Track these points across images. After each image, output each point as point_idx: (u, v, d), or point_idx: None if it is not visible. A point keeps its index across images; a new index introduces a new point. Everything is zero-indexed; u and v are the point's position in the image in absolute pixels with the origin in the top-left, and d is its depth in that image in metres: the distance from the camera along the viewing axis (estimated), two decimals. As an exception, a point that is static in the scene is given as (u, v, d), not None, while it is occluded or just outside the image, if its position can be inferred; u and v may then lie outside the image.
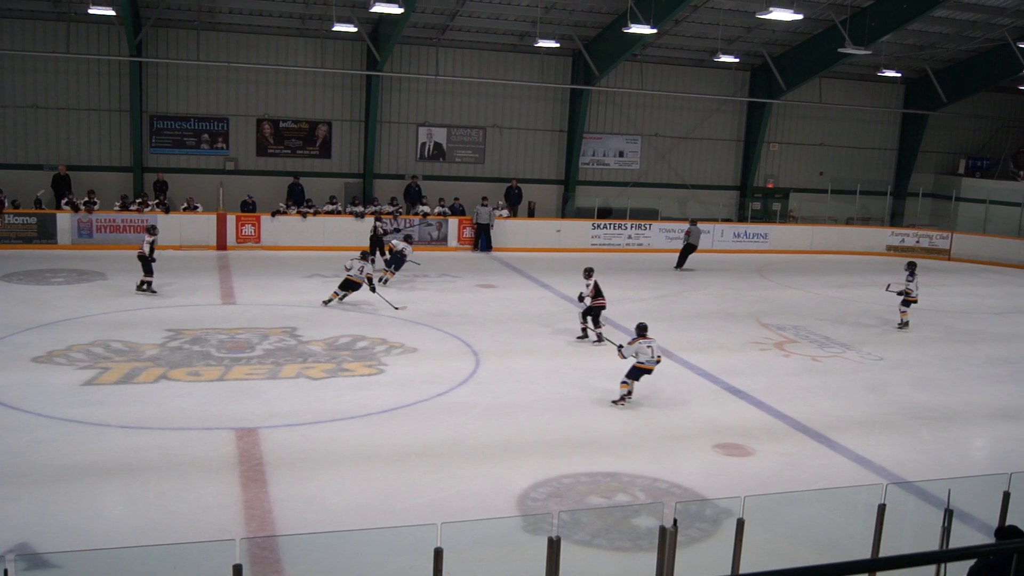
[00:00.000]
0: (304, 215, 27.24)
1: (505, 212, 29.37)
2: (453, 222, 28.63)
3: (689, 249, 27.51)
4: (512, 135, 31.33)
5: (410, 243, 22.91)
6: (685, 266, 27.29)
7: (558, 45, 28.51)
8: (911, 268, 20.67)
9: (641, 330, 14.12)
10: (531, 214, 30.95)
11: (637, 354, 13.92)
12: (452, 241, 28.61)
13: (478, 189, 30.07)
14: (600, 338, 17.49)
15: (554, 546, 5.88)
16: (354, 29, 25.87)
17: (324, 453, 11.51)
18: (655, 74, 32.21)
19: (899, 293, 20.45)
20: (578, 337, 17.91)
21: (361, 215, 27.40)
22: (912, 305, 20.54)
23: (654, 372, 14.06)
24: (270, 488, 10.34)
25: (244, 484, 10.42)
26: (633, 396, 14.06)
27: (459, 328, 18.31)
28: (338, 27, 25.25)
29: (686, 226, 28.21)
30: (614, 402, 13.95)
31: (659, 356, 14.04)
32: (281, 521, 9.56)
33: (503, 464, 11.43)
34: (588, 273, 17.86)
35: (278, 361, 15.36)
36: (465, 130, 30.83)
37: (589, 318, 17.75)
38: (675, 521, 6.37)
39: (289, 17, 27.59)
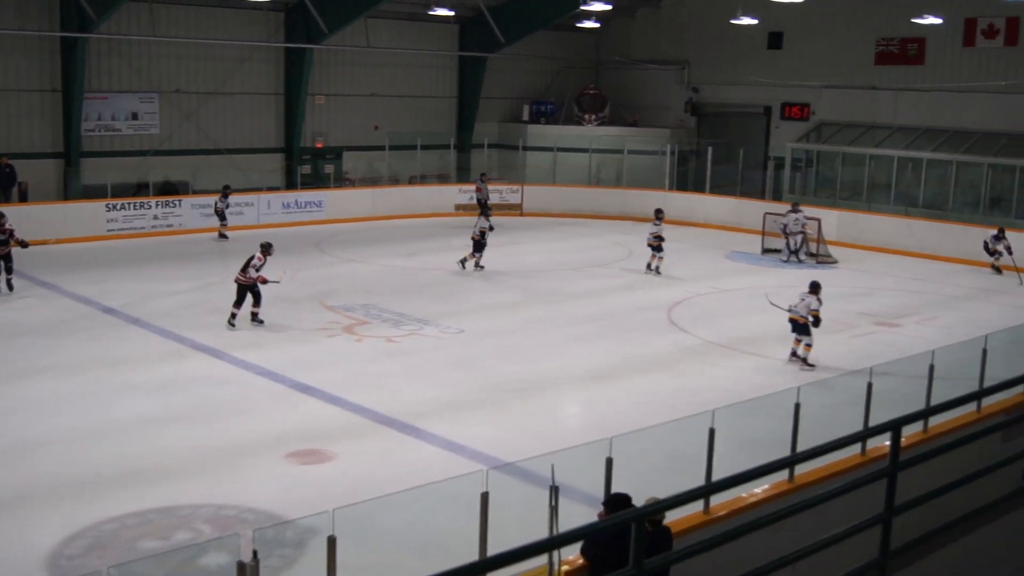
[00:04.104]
0: None
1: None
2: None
3: (483, 205, 31.10)
4: (-15, 97, 28.87)
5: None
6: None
7: (38, -19, 26.66)
8: (658, 214, 25.38)
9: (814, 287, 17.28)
10: (24, 198, 28.77)
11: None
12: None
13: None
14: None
15: (103, 610, 5.50)
16: None
17: None
18: (169, 16, 31.18)
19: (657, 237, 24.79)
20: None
21: None
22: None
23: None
24: None
25: None
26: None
27: (-61, 353, 16.61)
28: None
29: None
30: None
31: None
32: None
33: (21, 519, 10.67)
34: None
35: None
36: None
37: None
38: (255, 553, 6.27)
39: None
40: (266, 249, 19.06)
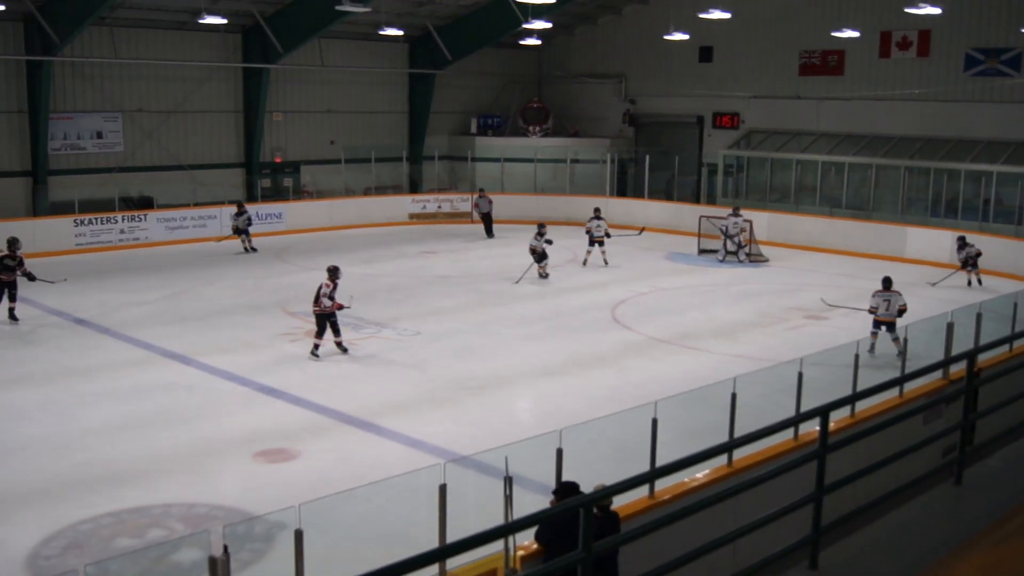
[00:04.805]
0: None
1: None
2: None
3: (486, 218, 32.10)
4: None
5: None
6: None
7: (2, 8, 26.21)
8: (595, 212, 27.13)
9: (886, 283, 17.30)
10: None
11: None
12: None
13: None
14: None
15: (82, 606, 5.46)
16: None
17: None
18: (130, 39, 30.84)
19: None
20: None
21: None
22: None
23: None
24: None
25: None
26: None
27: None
28: None
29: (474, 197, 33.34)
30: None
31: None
32: None
33: (-1, 522, 10.48)
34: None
35: None
36: None
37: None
38: (225, 548, 6.22)
39: None
40: (333, 273, 17.26)
